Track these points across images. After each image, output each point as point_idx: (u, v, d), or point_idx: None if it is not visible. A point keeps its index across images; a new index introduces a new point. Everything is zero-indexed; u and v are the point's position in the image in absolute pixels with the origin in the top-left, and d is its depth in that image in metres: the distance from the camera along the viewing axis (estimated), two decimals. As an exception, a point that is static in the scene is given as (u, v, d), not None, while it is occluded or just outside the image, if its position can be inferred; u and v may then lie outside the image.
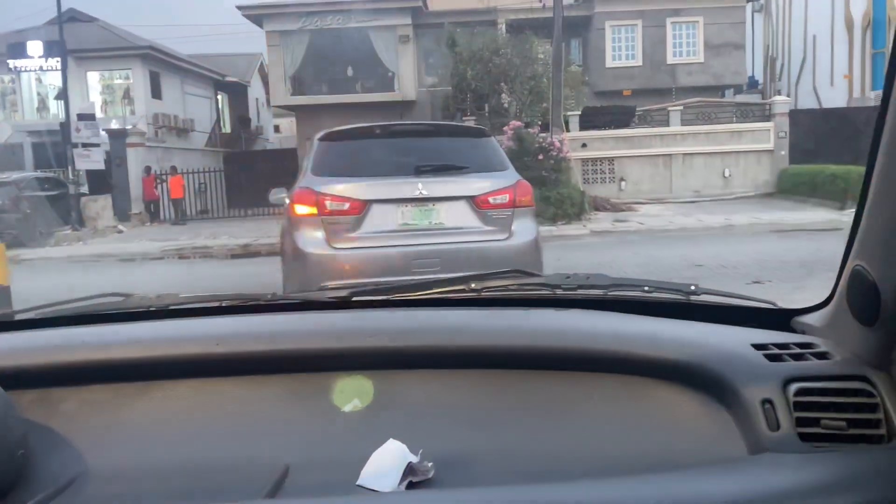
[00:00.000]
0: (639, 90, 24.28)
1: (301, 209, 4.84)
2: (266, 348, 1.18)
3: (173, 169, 19.96)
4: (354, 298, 1.47)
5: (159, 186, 19.52)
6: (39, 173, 18.00)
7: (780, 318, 1.31)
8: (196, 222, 19.71)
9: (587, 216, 15.63)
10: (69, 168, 16.40)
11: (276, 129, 41.78)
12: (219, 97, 34.59)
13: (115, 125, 20.56)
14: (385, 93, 24.80)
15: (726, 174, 19.36)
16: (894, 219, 0.96)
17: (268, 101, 32.69)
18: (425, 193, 4.85)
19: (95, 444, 1.08)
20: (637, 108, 19.69)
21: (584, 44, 25.90)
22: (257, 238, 15.12)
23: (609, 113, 19.45)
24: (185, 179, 20.19)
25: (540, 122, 16.63)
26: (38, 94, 26.85)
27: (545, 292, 1.47)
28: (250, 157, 26.52)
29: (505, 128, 16.03)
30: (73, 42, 25.64)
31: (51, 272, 12.37)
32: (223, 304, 1.47)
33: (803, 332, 1.24)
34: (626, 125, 19.47)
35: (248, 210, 21.00)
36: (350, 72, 25.86)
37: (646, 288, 1.42)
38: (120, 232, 17.14)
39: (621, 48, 25.33)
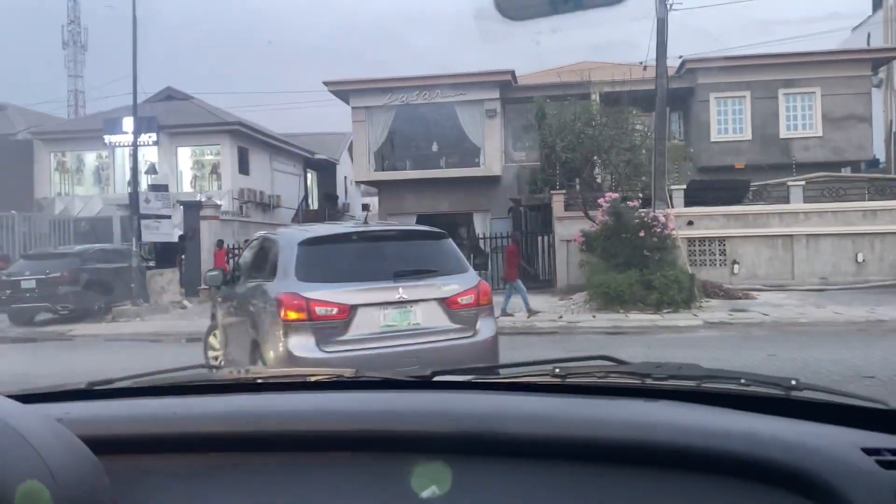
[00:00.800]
0: (748, 166, 22.02)
1: (292, 314, 5.00)
2: (350, 427, 1.18)
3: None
4: (436, 379, 1.45)
5: (231, 261, 18.67)
6: (108, 246, 17.47)
7: (893, 420, 1.17)
8: (266, 299, 18.64)
9: (697, 304, 13.40)
10: (134, 240, 15.72)
11: (365, 207, 41.43)
12: (308, 175, 34.71)
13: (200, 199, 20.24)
14: (470, 168, 23.61)
15: (859, 259, 16.68)
16: None
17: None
18: (405, 297, 5.21)
19: None
20: (752, 183, 17.46)
21: (686, 117, 24.01)
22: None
23: (719, 187, 17.32)
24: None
25: (640, 196, 14.72)
26: (131, 169, 27.29)
27: (634, 381, 1.39)
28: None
29: (600, 200, 14.23)
30: (167, 119, 26.22)
31: (80, 351, 11.30)
32: (308, 380, 1.51)
33: None
34: (738, 201, 17.25)
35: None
36: (434, 147, 24.96)
37: (742, 381, 1.32)
38: (184, 308, 16.20)
39: (727, 121, 23.32)
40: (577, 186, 17.53)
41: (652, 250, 13.55)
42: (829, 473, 0.97)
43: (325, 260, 5.40)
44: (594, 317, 12.82)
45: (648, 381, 1.37)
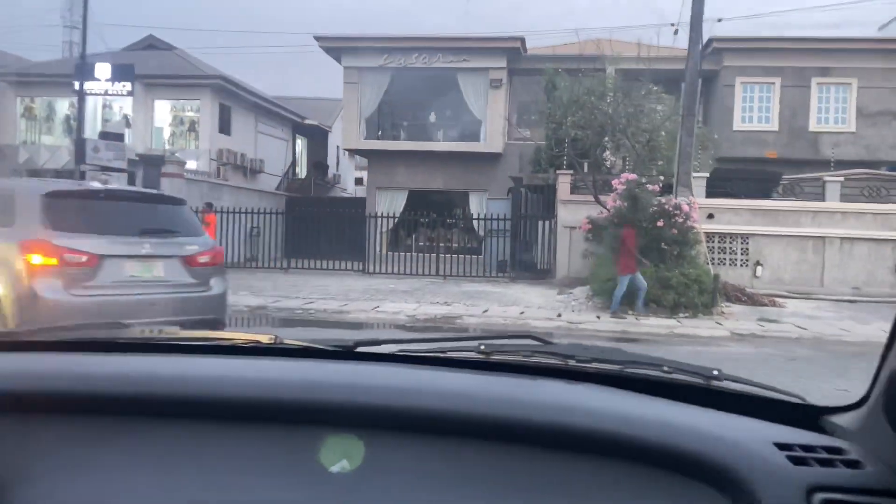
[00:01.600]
0: (765, 160, 20.02)
1: (38, 259, 5.33)
2: (260, 395, 1.13)
3: (208, 206, 17.12)
4: (358, 349, 1.41)
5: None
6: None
7: (808, 416, 1.21)
8: (230, 271, 16.65)
9: (719, 309, 11.51)
10: (74, 193, 13.69)
11: (359, 181, 39.32)
12: (298, 141, 32.63)
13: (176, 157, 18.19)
14: (469, 142, 21.61)
15: (899, 269, 14.81)
16: None
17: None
18: (150, 252, 5.92)
19: (68, 479, 1.05)
20: (783, 176, 15.51)
21: (708, 102, 21.92)
22: (278, 300, 11.75)
23: (747, 178, 15.34)
24: (221, 218, 17.33)
25: (661, 182, 12.74)
26: (106, 119, 25.13)
27: (558, 362, 1.38)
28: (315, 202, 23.65)
29: (614, 182, 12.26)
30: (145, 68, 24.06)
31: None
32: (222, 344, 1.43)
33: (833, 434, 1.14)
34: (766, 195, 15.31)
35: (305, 262, 17.94)
36: (432, 117, 22.93)
37: (665, 368, 1.33)
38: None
39: (753, 109, 21.29)
40: (586, 168, 15.52)
41: (671, 243, 11.62)
42: (740, 466, 0.98)
43: (72, 212, 5.64)
44: (598, 318, 10.92)
45: (572, 362, 1.35)
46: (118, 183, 14.21)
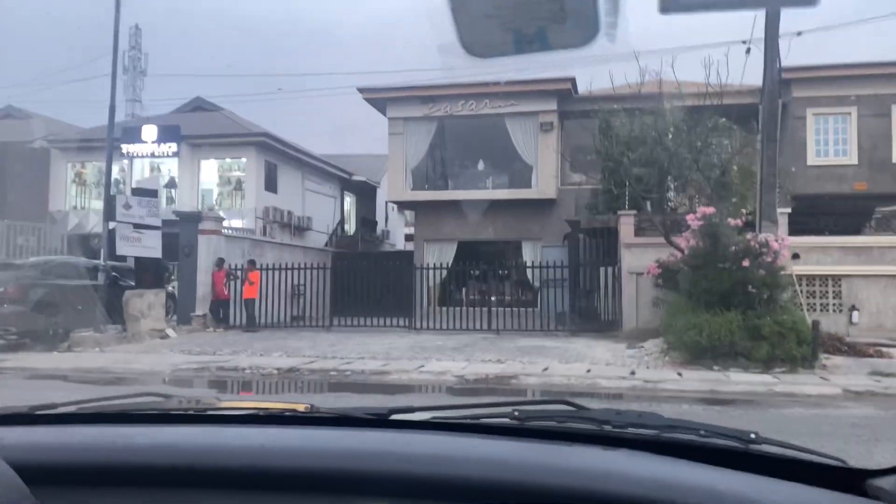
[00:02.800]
0: (850, 195, 18.18)
1: None
2: (298, 464, 1.13)
3: (251, 264, 16.30)
4: (392, 417, 1.41)
5: (231, 284, 15.85)
6: (76, 259, 14.80)
7: (850, 479, 1.16)
8: (272, 330, 15.73)
9: (819, 362, 9.83)
10: (102, 253, 12.99)
11: (409, 238, 38.49)
12: (346, 198, 32.17)
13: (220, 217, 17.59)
14: (520, 189, 20.46)
15: None
16: None
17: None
18: None
19: None
20: (877, 209, 13.80)
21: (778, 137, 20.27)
22: (313, 360, 10.59)
23: (834, 212, 13.68)
24: (264, 276, 16.47)
25: (745, 214, 11.26)
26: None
27: (593, 428, 1.34)
28: (362, 257, 22.73)
29: (689, 217, 10.85)
30: (192, 129, 24.00)
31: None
32: (260, 414, 1.46)
33: (877, 499, 1.11)
34: (856, 231, 13.60)
35: (350, 319, 16.83)
36: (480, 165, 21.95)
37: (702, 432, 1.31)
38: (164, 337, 13.35)
39: (828, 142, 19.57)
40: (649, 207, 14.14)
41: (759, 286, 10.06)
42: None
43: None
44: (680, 375, 9.38)
45: (608, 428, 1.34)
46: (152, 241, 13.53)
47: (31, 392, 8.24)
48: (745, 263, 9.96)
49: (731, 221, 10.52)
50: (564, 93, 20.05)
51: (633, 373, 9.51)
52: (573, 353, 11.45)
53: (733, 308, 9.99)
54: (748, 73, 14.86)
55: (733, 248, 10.26)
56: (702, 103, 13.83)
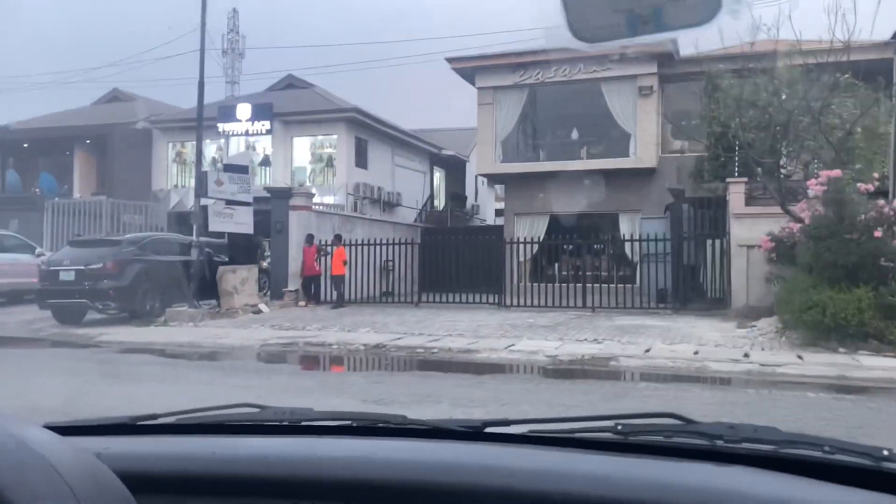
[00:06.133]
0: None
1: None
2: (390, 476, 1.13)
3: (337, 238, 16.20)
4: (488, 430, 1.36)
5: (322, 260, 15.82)
6: (172, 235, 15.08)
7: None
8: (361, 306, 15.63)
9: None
10: (194, 229, 13.12)
11: (500, 212, 37.94)
12: (435, 173, 31.93)
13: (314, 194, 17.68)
14: (617, 158, 19.43)
15: None
16: None
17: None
18: None
19: None
20: None
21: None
22: (400, 337, 10.28)
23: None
24: (354, 252, 16.38)
25: (877, 179, 10.03)
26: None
27: (704, 443, 1.24)
28: (450, 232, 22.39)
29: (810, 183, 9.75)
30: (283, 107, 24.28)
31: (61, 363, 8.70)
32: (353, 425, 1.47)
33: None
34: None
35: (438, 295, 16.57)
36: (574, 134, 20.99)
37: (826, 448, 1.17)
38: (258, 312, 13.44)
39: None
40: (761, 174, 12.93)
41: (894, 259, 8.89)
42: None
43: None
44: (800, 358, 8.43)
45: (720, 443, 1.24)
46: (244, 217, 13.58)
47: (123, 366, 8.31)
48: (878, 234, 8.81)
49: (861, 187, 9.34)
50: (665, 55, 18.76)
51: (746, 355, 8.62)
52: (677, 332, 10.61)
53: (862, 284, 8.89)
54: (878, 23, 13.32)
55: (863, 216, 9.11)
56: (823, 61, 12.44)
